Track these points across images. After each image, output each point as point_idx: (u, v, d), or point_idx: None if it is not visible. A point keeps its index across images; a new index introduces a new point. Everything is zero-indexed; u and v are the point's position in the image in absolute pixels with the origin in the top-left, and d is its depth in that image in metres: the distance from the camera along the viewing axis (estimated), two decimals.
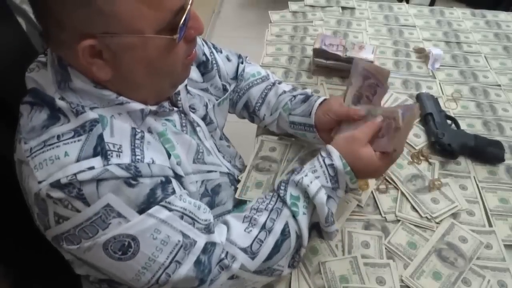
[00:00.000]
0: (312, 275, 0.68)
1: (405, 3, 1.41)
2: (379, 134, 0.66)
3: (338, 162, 0.63)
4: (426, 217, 0.76)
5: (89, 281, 0.64)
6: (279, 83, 0.89)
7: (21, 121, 0.54)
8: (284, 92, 0.86)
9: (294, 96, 0.84)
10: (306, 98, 0.82)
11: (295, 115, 0.81)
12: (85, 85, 0.54)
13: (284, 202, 0.63)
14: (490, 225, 0.76)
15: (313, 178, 0.63)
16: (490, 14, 1.32)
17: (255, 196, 0.78)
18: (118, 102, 0.56)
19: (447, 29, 1.25)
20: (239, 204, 0.81)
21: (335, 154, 0.64)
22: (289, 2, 1.34)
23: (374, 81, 0.68)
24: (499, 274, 0.69)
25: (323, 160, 0.65)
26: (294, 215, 0.62)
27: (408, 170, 0.84)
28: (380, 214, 0.77)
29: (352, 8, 1.33)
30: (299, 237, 0.63)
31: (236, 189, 0.81)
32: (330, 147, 0.66)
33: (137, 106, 0.58)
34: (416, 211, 0.77)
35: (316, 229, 0.66)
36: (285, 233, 0.62)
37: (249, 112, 0.89)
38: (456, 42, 1.20)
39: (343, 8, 1.33)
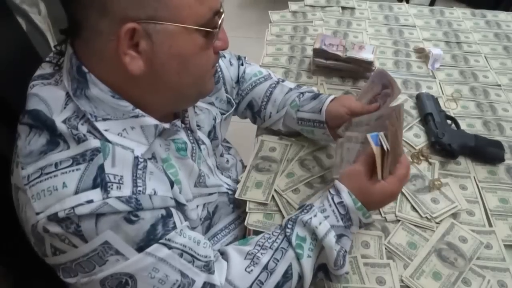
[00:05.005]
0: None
1: (405, 3, 1.41)
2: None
3: (348, 199, 0.62)
4: (426, 217, 0.76)
5: None
6: (283, 81, 0.89)
7: (19, 143, 0.52)
8: (290, 89, 0.86)
9: (302, 93, 0.85)
10: (316, 95, 0.83)
11: (304, 112, 0.81)
12: (102, 93, 0.52)
13: (289, 242, 0.61)
14: (490, 225, 0.76)
15: (322, 218, 0.61)
16: (490, 14, 1.32)
17: (255, 196, 0.78)
18: (134, 114, 0.54)
19: (447, 29, 1.25)
20: (238, 220, 0.81)
21: (344, 191, 0.62)
22: (289, 2, 1.34)
23: (389, 92, 0.70)
24: (499, 274, 0.69)
25: (332, 198, 0.63)
26: (298, 258, 0.60)
27: None
28: (380, 214, 0.77)
29: (352, 8, 1.33)
30: (301, 278, 0.61)
31: (234, 206, 0.80)
32: (338, 183, 0.64)
33: (151, 121, 0.56)
34: (416, 211, 0.77)
35: (323, 270, 0.64)
36: (287, 275, 0.60)
37: (253, 112, 0.89)
38: (456, 42, 1.20)
39: (343, 8, 1.33)
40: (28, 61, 0.58)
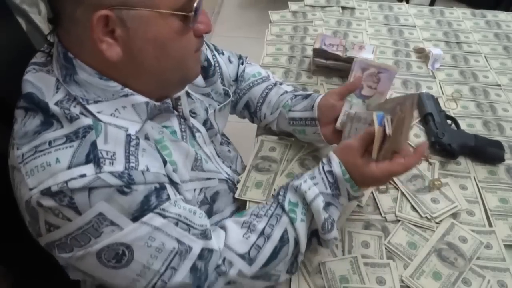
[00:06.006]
0: (312, 275, 0.68)
1: (405, 3, 1.41)
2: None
3: (337, 168, 0.63)
4: (426, 217, 0.76)
5: (86, 285, 0.64)
6: (281, 83, 0.89)
7: (15, 127, 0.53)
8: (286, 92, 0.86)
9: (295, 96, 0.85)
10: (308, 95, 0.83)
11: (295, 111, 0.81)
12: (90, 77, 0.53)
13: (283, 208, 0.63)
14: (490, 225, 0.76)
15: (312, 184, 0.63)
16: (490, 14, 1.32)
17: (255, 196, 0.78)
18: (123, 93, 0.55)
19: (447, 29, 1.25)
20: (238, 210, 0.80)
21: (335, 160, 0.63)
22: (289, 2, 1.34)
23: (375, 70, 0.69)
24: (499, 274, 0.69)
25: (323, 167, 0.64)
26: (292, 222, 0.62)
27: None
28: (380, 214, 0.77)
29: (352, 8, 1.33)
30: (297, 244, 0.62)
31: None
32: (331, 154, 0.65)
33: (142, 98, 0.57)
34: (416, 211, 0.77)
35: (316, 236, 0.65)
36: (283, 239, 0.61)
37: (250, 112, 0.90)
38: (456, 42, 1.20)
39: (343, 8, 1.33)
40: (28, 61, 0.58)
